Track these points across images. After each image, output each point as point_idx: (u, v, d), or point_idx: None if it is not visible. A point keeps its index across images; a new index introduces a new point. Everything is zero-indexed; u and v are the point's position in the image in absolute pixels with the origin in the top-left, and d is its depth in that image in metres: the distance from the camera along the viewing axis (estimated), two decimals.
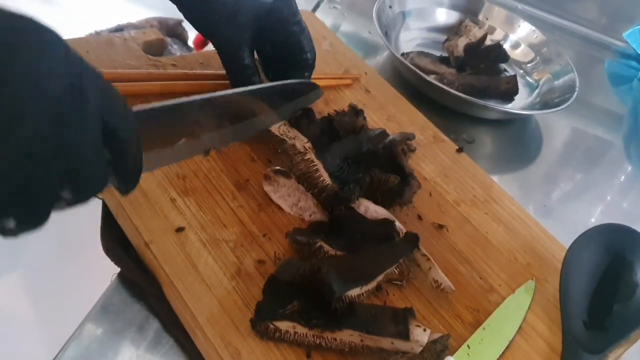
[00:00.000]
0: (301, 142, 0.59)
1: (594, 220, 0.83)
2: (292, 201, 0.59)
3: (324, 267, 0.49)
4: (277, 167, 0.59)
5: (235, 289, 0.51)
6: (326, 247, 0.53)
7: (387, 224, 0.57)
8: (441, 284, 0.55)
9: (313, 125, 0.62)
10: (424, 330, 0.50)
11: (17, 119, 0.28)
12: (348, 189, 0.57)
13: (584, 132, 1.00)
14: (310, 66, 0.66)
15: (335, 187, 0.57)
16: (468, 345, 0.53)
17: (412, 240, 0.56)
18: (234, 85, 0.63)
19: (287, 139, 0.59)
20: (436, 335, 0.51)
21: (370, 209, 0.58)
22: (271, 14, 0.62)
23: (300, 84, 0.65)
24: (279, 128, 0.61)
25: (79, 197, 0.34)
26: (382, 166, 0.59)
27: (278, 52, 0.65)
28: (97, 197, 0.50)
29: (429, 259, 0.56)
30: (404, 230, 0.58)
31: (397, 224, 0.58)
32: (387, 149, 0.62)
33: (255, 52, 0.65)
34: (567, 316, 0.57)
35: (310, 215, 0.59)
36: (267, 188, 0.59)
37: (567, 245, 0.61)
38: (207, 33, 0.63)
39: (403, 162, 0.61)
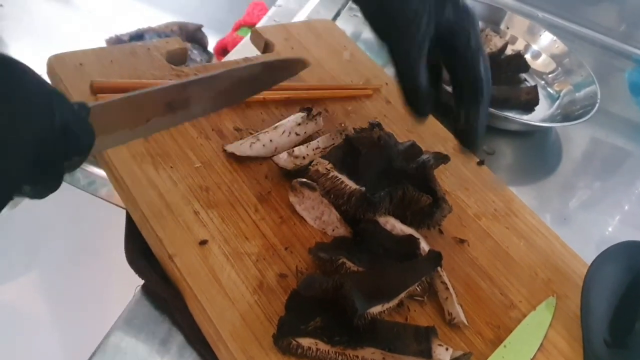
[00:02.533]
0: (322, 165, 0.59)
1: (611, 230, 0.83)
2: (315, 214, 0.59)
3: (347, 284, 0.49)
4: (304, 179, 0.59)
5: (258, 303, 0.51)
6: (348, 263, 0.54)
7: (412, 240, 0.57)
8: (454, 317, 0.55)
9: (333, 149, 0.62)
10: (447, 349, 0.50)
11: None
12: (378, 195, 0.57)
13: (603, 142, 0.99)
14: (478, 100, 0.59)
15: (364, 190, 0.56)
16: None
17: (435, 258, 0.56)
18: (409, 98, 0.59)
19: (310, 167, 0.59)
20: (458, 353, 0.51)
21: (397, 228, 0.58)
22: (454, 36, 0.57)
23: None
24: (294, 161, 0.62)
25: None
26: (413, 185, 0.59)
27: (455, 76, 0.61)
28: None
29: (447, 288, 0.56)
30: (428, 249, 0.58)
31: (422, 242, 0.58)
32: (420, 170, 0.61)
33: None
34: (589, 334, 0.57)
35: (333, 230, 0.59)
36: (293, 199, 0.60)
37: (585, 256, 0.61)
38: (384, 40, 0.58)
39: (436, 187, 0.61)
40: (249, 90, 0.59)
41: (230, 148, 0.62)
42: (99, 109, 0.45)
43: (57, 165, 0.41)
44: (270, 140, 0.64)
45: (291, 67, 0.61)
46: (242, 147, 0.62)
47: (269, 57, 0.65)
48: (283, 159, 0.62)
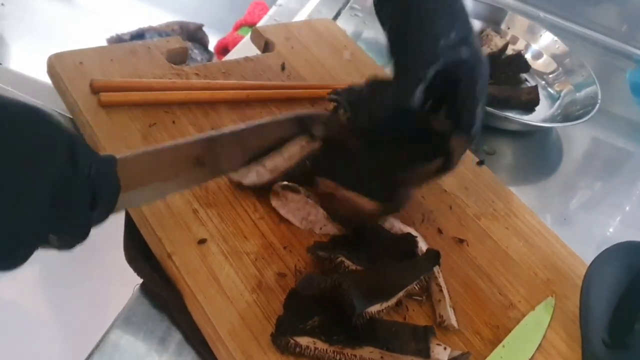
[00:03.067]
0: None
1: (612, 230, 0.83)
2: (301, 215, 0.59)
3: (345, 282, 0.49)
4: (285, 183, 0.59)
5: (256, 302, 0.51)
6: (347, 262, 0.54)
7: (410, 239, 0.58)
8: (445, 320, 0.54)
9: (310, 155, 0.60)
10: (445, 348, 0.50)
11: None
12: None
13: (604, 143, 0.99)
14: (464, 139, 0.57)
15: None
16: None
17: (433, 256, 0.56)
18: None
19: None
20: (456, 353, 0.51)
21: (395, 227, 0.58)
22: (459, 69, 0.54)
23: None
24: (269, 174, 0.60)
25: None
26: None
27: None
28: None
29: (441, 291, 0.56)
30: (426, 247, 0.58)
31: (421, 241, 0.58)
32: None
33: None
34: (587, 334, 0.57)
35: (321, 229, 0.59)
36: (276, 204, 0.59)
37: (586, 257, 0.61)
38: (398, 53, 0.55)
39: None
40: (277, 144, 0.58)
41: (236, 177, 0.60)
42: (126, 161, 0.45)
43: (80, 214, 0.40)
44: (276, 167, 0.60)
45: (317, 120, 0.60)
46: (249, 177, 0.60)
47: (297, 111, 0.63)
48: (258, 174, 0.60)
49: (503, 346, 0.55)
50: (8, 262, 0.36)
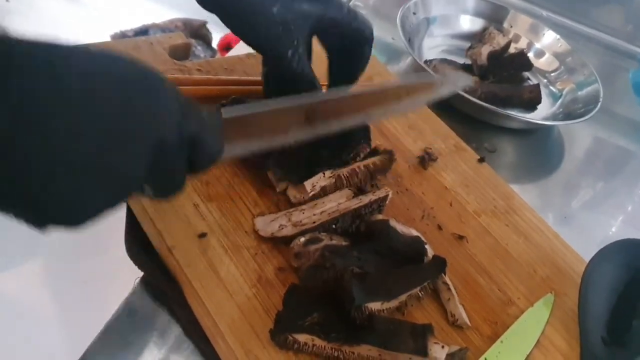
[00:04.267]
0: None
1: (614, 230, 0.83)
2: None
3: (347, 274, 0.50)
4: (306, 238, 0.56)
5: (256, 296, 0.52)
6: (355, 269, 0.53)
7: (418, 243, 0.58)
8: (457, 319, 0.55)
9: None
10: (442, 347, 0.50)
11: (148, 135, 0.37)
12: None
13: (606, 142, 0.99)
14: (366, 57, 0.61)
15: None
16: (486, 358, 0.53)
17: (439, 264, 0.56)
18: (300, 90, 0.58)
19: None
20: (454, 349, 0.51)
21: (398, 228, 0.58)
22: (325, 12, 0.57)
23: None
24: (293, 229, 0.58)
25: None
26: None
27: (336, 43, 0.61)
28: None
29: (449, 289, 0.56)
30: (432, 254, 0.58)
31: (428, 246, 0.58)
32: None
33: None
34: (586, 331, 0.57)
35: None
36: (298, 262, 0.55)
37: (587, 257, 0.61)
38: (257, 48, 0.58)
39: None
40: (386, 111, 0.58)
41: (258, 224, 0.57)
42: (231, 121, 0.47)
43: (177, 171, 0.41)
44: (301, 222, 0.58)
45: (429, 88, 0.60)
46: (270, 227, 0.57)
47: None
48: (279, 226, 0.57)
49: (501, 342, 0.55)
50: (80, 218, 0.36)
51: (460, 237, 0.63)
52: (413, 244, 0.58)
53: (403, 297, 0.53)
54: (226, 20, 0.56)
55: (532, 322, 0.58)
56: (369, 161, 0.62)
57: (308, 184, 0.58)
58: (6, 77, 0.30)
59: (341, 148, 0.63)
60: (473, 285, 0.59)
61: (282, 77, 0.58)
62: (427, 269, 0.56)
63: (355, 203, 0.59)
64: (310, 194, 0.58)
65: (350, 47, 0.61)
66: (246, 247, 0.55)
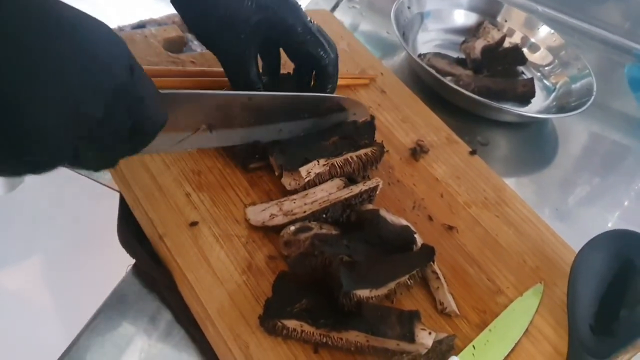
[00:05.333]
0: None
1: (610, 226, 0.83)
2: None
3: (336, 261, 0.50)
4: (296, 227, 0.56)
5: (246, 283, 0.52)
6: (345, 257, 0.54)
7: (408, 232, 0.58)
8: (446, 307, 0.56)
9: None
10: (429, 333, 0.50)
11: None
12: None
13: (601, 137, 0.99)
14: (328, 75, 0.64)
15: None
16: (473, 346, 0.54)
17: (428, 252, 0.57)
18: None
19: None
20: (442, 335, 0.52)
21: (388, 218, 0.59)
22: (278, 25, 0.60)
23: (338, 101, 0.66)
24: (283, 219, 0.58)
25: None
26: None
27: (300, 63, 0.66)
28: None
29: (438, 278, 0.57)
30: (421, 242, 0.58)
31: (417, 235, 0.59)
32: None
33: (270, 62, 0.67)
34: (574, 320, 0.58)
35: None
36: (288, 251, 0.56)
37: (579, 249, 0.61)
38: (207, 42, 0.62)
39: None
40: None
41: (250, 213, 0.58)
42: (164, 97, 0.48)
43: (122, 133, 0.42)
44: (292, 211, 0.58)
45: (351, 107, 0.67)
46: (261, 216, 0.58)
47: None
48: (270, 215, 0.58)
49: (490, 330, 0.55)
50: (40, 162, 0.38)
51: (450, 228, 0.64)
52: (402, 233, 0.58)
53: (392, 285, 0.54)
54: (186, 19, 0.62)
55: (521, 311, 0.58)
56: (362, 152, 0.63)
57: (303, 170, 0.59)
58: None
59: (344, 140, 0.64)
60: (462, 274, 0.60)
61: (234, 82, 0.63)
62: (415, 258, 0.57)
63: (346, 193, 0.59)
64: (305, 180, 0.59)
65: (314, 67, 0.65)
66: (237, 236, 0.56)
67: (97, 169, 0.43)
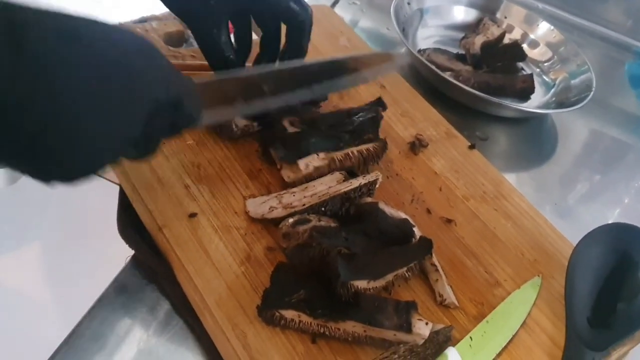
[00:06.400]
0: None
1: (611, 221, 0.83)
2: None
3: (333, 251, 0.51)
4: (294, 219, 0.56)
5: (244, 274, 0.53)
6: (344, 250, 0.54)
7: (406, 224, 0.58)
8: (445, 299, 0.56)
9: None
10: (426, 323, 0.51)
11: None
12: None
13: (601, 133, 0.99)
14: (304, 27, 0.63)
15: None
16: (471, 337, 0.54)
17: (426, 245, 0.57)
18: (210, 63, 0.62)
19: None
20: (439, 326, 0.52)
21: (386, 211, 0.59)
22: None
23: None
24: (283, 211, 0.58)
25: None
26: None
27: (270, 24, 0.64)
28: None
29: (437, 270, 0.57)
30: (419, 235, 0.59)
31: (415, 228, 0.59)
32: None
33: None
34: (572, 313, 0.58)
35: None
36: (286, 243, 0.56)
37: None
38: (178, 11, 0.61)
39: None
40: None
41: (249, 206, 0.59)
42: (202, 86, 0.50)
43: (162, 132, 0.45)
44: (292, 204, 0.58)
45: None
46: (260, 208, 0.58)
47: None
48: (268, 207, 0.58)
49: (487, 322, 0.56)
50: (80, 172, 0.39)
51: (449, 221, 0.64)
52: (401, 225, 0.59)
53: (389, 277, 0.54)
54: None
55: (519, 304, 0.58)
56: (363, 147, 0.63)
57: (302, 163, 0.59)
58: (22, 46, 0.33)
59: (348, 134, 0.65)
60: (460, 267, 0.60)
61: (205, 51, 0.61)
62: (414, 250, 0.57)
63: (345, 186, 0.60)
64: (304, 173, 0.59)
65: (287, 32, 0.63)
66: (236, 227, 0.56)
67: (136, 161, 0.46)
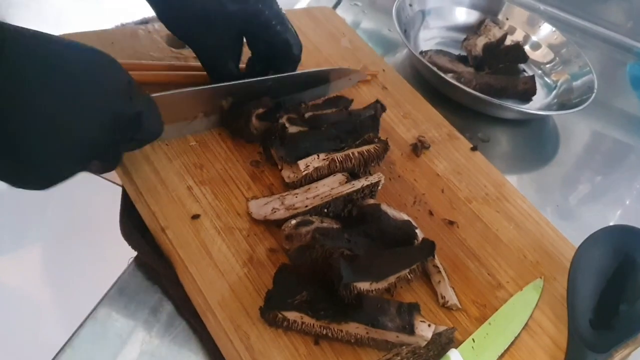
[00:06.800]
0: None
1: (612, 223, 0.83)
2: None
3: (336, 253, 0.51)
4: (297, 220, 0.56)
5: (247, 276, 0.53)
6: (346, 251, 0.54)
7: (409, 226, 0.58)
8: (448, 300, 0.56)
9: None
10: (429, 325, 0.51)
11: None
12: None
13: (603, 135, 0.99)
14: (296, 60, 0.67)
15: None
16: (473, 339, 0.54)
17: (428, 247, 0.57)
18: (214, 78, 0.65)
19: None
20: (441, 328, 0.52)
21: (389, 212, 0.59)
22: (254, 18, 0.62)
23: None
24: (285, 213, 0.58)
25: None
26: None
27: (263, 51, 0.66)
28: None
29: (439, 272, 0.57)
30: (422, 236, 0.59)
31: (418, 230, 0.59)
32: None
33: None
34: (574, 314, 0.58)
35: None
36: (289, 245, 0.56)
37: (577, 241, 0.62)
38: (185, 39, 0.64)
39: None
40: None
41: (252, 207, 0.58)
42: (160, 99, 0.53)
43: (122, 146, 0.49)
44: (294, 206, 0.58)
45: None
46: (263, 210, 0.58)
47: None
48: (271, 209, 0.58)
49: (489, 323, 0.56)
50: (49, 180, 0.44)
51: (451, 223, 0.64)
52: (403, 227, 0.59)
53: (392, 279, 0.54)
54: (162, 17, 0.63)
55: (521, 306, 0.59)
56: (364, 148, 0.63)
57: (302, 163, 0.59)
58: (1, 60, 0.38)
59: (348, 134, 0.65)
60: (462, 268, 0.60)
61: (209, 70, 0.65)
62: (416, 252, 0.57)
63: (347, 188, 0.60)
64: (304, 174, 0.59)
65: (275, 60, 0.67)
66: (238, 229, 0.56)
67: (106, 170, 0.50)
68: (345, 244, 0.54)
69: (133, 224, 0.57)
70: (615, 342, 0.56)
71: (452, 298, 0.56)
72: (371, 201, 0.61)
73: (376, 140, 0.64)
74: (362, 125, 0.66)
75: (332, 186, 0.60)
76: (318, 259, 0.51)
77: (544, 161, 0.88)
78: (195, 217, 0.55)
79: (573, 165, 0.90)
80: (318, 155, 0.60)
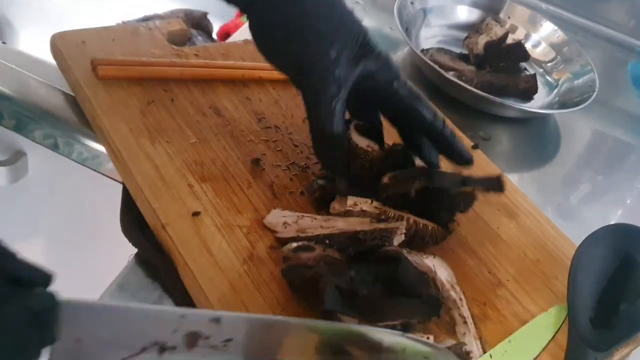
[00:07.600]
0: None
1: (612, 221, 0.83)
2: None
3: (325, 277, 0.49)
4: (297, 244, 0.53)
5: (247, 273, 0.53)
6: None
7: (423, 279, 0.54)
8: (472, 357, 0.51)
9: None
10: (427, 338, 0.49)
11: None
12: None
13: (604, 134, 0.99)
14: (440, 134, 0.60)
15: None
16: (491, 355, 0.53)
17: (434, 306, 0.52)
18: (316, 149, 0.58)
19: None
20: (449, 343, 0.50)
21: (411, 258, 0.54)
22: (369, 79, 0.58)
23: None
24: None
25: None
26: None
27: (398, 121, 0.62)
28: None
29: (465, 323, 0.53)
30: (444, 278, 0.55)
31: (439, 276, 0.55)
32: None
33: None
34: (574, 313, 0.58)
35: None
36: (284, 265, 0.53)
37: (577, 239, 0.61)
38: (295, 80, 0.59)
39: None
40: None
41: (271, 215, 0.57)
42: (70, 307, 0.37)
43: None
44: (305, 229, 0.56)
45: None
46: (275, 219, 0.57)
47: None
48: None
49: (509, 341, 0.54)
50: None
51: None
52: (420, 280, 0.53)
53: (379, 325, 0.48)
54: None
55: (543, 327, 0.57)
56: (424, 221, 0.58)
57: (351, 199, 0.57)
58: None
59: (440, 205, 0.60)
60: (462, 266, 0.60)
61: (313, 127, 0.57)
62: (421, 307, 0.51)
63: (359, 226, 0.55)
64: (347, 209, 0.57)
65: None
66: (239, 226, 0.56)
67: None
68: (347, 280, 0.50)
69: (133, 220, 0.57)
70: (616, 340, 0.56)
71: (475, 352, 0.51)
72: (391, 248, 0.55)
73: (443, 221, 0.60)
74: (450, 202, 0.61)
75: (354, 225, 0.56)
76: (308, 278, 0.49)
77: (545, 160, 0.88)
78: (196, 214, 0.55)
79: (574, 164, 0.89)
80: (372, 201, 0.58)
